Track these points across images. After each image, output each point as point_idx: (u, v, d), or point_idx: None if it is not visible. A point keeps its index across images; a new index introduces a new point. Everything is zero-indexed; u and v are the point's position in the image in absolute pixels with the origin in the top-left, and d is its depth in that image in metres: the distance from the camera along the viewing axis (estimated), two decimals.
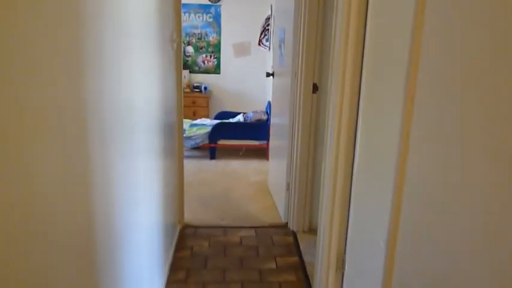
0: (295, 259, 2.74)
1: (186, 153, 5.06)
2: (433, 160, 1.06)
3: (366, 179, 1.84)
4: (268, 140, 4.80)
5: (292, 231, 3.11)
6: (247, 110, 5.86)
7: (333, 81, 1.98)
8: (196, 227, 3.14)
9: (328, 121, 2.09)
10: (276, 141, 3.79)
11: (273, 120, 3.99)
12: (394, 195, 1.33)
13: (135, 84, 1.65)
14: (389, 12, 1.49)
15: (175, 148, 2.95)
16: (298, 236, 3.03)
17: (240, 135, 5.01)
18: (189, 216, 3.29)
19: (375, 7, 1.66)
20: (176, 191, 2.98)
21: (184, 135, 4.82)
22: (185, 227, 3.13)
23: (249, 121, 5.19)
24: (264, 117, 5.13)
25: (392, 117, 1.34)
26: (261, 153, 5.13)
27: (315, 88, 2.84)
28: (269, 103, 5.21)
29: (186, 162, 4.67)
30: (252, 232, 3.08)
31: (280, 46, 3.45)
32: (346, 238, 2.14)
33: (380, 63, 1.62)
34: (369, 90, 1.76)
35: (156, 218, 2.17)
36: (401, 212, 1.30)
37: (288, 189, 3.17)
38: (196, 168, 4.65)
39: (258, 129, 4.99)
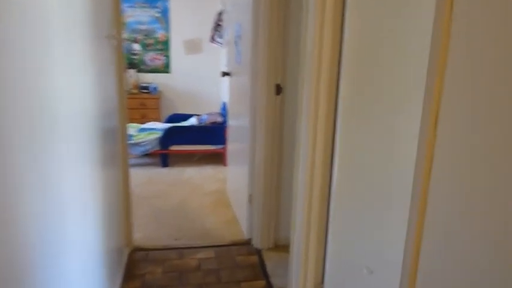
0: (262, 283, 2.42)
1: (134, 161, 4.63)
2: (467, 191, 0.78)
3: (353, 201, 1.55)
4: (225, 144, 4.46)
5: (257, 248, 2.79)
6: (201, 111, 5.49)
7: (306, 87, 1.67)
8: (148, 250, 2.75)
9: (301, 131, 1.79)
10: (234, 146, 3.46)
11: (230, 123, 3.65)
12: (411, 228, 1.04)
13: (56, 85, 1.27)
14: (387, 7, 1.20)
15: (119, 156, 2.55)
16: (264, 255, 2.72)
17: (194, 140, 4.63)
18: (139, 237, 2.90)
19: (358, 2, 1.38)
20: (122, 207, 2.58)
21: (132, 141, 4.39)
22: (135, 251, 2.74)
23: (203, 124, 4.82)
24: (220, 119, 4.78)
25: (400, 133, 1.05)
26: (218, 159, 4.78)
27: (279, 89, 2.54)
28: (224, 104, 4.87)
29: (134, 171, 4.23)
30: (211, 253, 2.73)
31: (236, 42, 3.12)
32: (324, 265, 1.85)
33: (370, 70, 1.34)
34: (351, 100, 1.47)
35: (94, 243, 1.78)
36: (421, 245, 1.01)
37: (250, 201, 2.85)
38: (146, 177, 4.22)
39: (214, 132, 4.64)
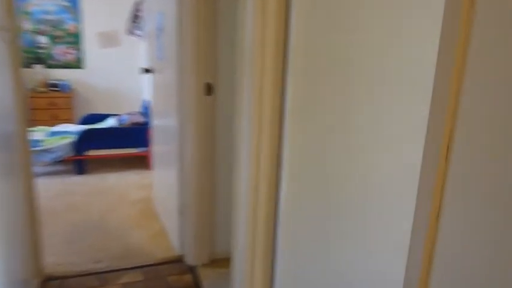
0: None
1: (43, 170, 4.10)
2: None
3: (305, 215, 1.35)
4: (149, 146, 4.09)
5: (190, 266, 2.51)
6: (121, 111, 5.03)
7: (246, 88, 1.43)
8: (62, 278, 2.35)
9: (241, 136, 1.54)
10: (160, 149, 3.13)
11: (155, 124, 3.31)
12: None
13: None
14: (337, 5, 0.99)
15: (20, 165, 2.12)
16: (199, 272, 2.45)
17: (114, 143, 4.19)
18: (52, 262, 2.48)
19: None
20: (27, 227, 2.16)
21: (41, 147, 3.86)
22: (46, 280, 2.33)
23: (124, 125, 4.39)
24: (141, 119, 4.38)
25: (355, 139, 0.85)
26: (142, 163, 4.38)
27: (210, 89, 2.27)
28: (147, 102, 4.49)
29: (43, 182, 3.74)
30: (139, 275, 2.41)
31: (158, 35, 2.79)
32: (272, 286, 1.64)
33: (322, 68, 1.13)
34: (300, 102, 1.26)
35: None
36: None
37: (181, 212, 2.56)
38: (59, 188, 3.73)
39: (136, 134, 4.24)
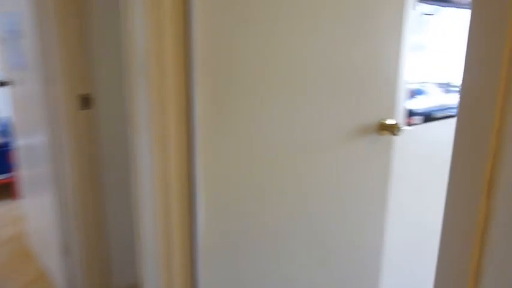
0: None
1: None
2: None
3: (228, 239, 1.16)
4: (13, 171, 3.46)
5: None
6: None
7: (141, 99, 1.17)
8: None
9: (140, 158, 1.28)
10: (30, 173, 2.62)
11: (20, 144, 2.77)
12: None
13: None
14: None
15: None
16: None
17: None
18: None
19: None
20: None
21: None
22: None
23: None
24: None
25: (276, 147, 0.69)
26: (6, 192, 3.70)
27: (87, 102, 1.91)
28: (5, 120, 3.81)
29: None
30: None
31: (13, 40, 2.31)
32: None
33: (234, 70, 0.95)
34: (211, 112, 1.06)
35: None
36: None
37: (65, 249, 2.15)
38: None
39: None
